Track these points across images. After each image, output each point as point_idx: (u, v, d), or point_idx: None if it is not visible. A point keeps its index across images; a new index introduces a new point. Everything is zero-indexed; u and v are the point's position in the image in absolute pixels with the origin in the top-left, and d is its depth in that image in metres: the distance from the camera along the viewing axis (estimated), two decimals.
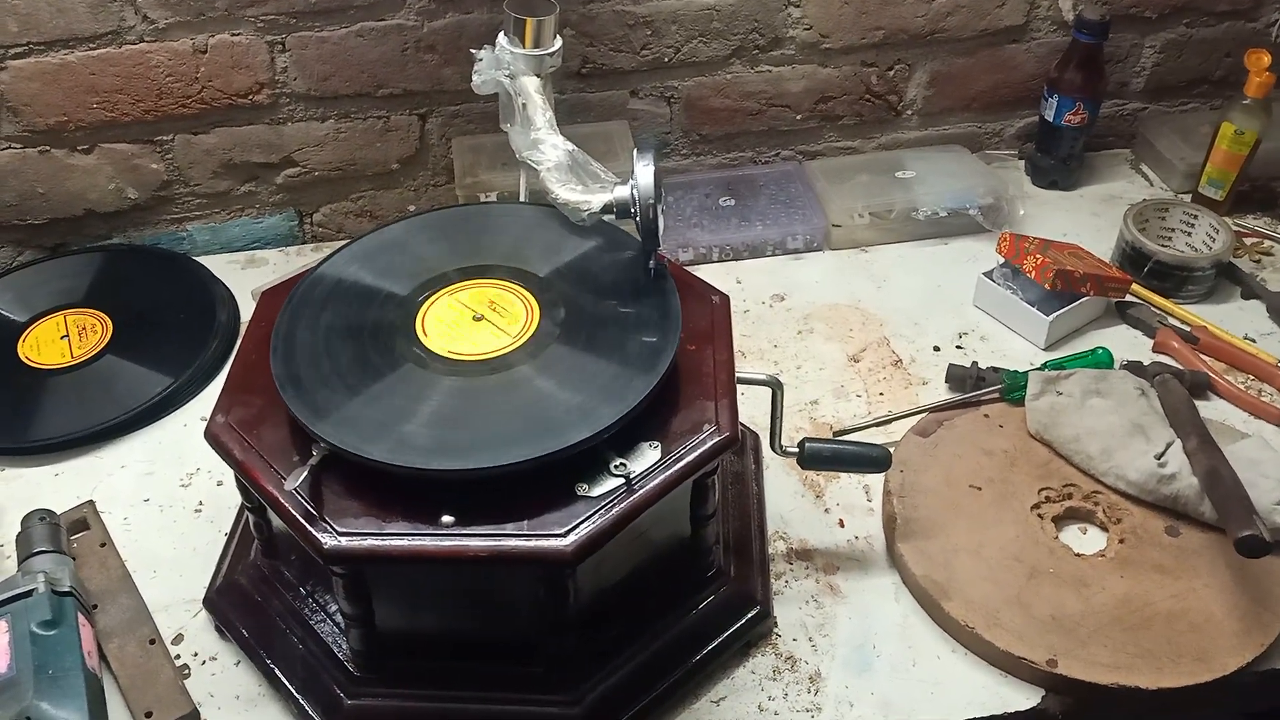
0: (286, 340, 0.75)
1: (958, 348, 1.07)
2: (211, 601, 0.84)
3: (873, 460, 0.84)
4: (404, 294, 0.79)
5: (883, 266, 1.17)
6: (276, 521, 0.77)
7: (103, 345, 1.07)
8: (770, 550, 0.88)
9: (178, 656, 0.82)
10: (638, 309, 0.78)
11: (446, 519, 0.67)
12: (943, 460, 0.93)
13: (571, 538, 0.67)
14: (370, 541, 0.67)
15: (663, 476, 0.70)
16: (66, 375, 1.04)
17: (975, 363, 1.01)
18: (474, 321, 0.77)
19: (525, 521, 0.67)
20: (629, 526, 0.68)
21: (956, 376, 1.01)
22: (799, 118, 1.25)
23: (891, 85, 1.24)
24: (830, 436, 0.97)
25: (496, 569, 0.68)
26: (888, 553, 0.88)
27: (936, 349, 1.07)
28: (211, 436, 0.74)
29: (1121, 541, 0.86)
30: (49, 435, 0.99)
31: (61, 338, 1.07)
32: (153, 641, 0.83)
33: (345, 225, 1.23)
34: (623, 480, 0.69)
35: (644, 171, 0.76)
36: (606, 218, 0.80)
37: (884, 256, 1.18)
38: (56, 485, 0.96)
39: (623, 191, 0.79)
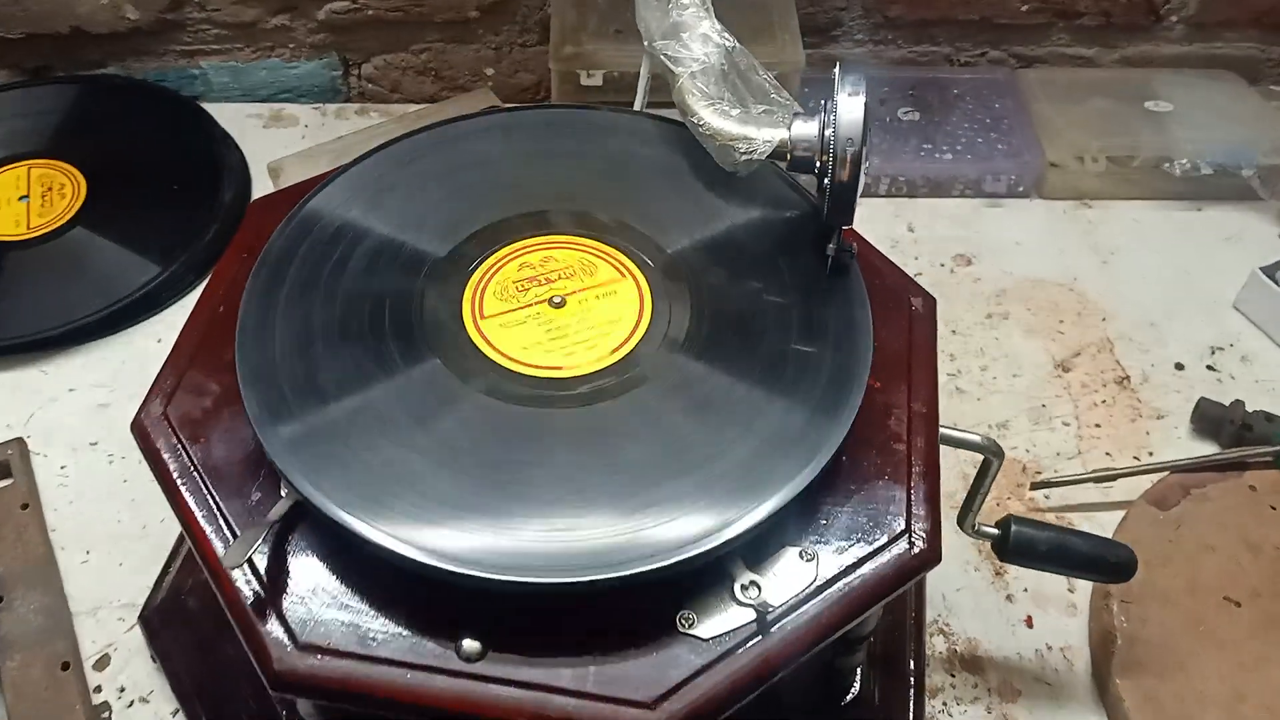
0: (260, 310, 0.49)
1: (1209, 369, 0.77)
2: (149, 622, 0.62)
3: (1111, 568, 0.56)
4: (440, 254, 0.51)
5: (1111, 232, 0.86)
6: None
7: (72, 213, 0.81)
8: (926, 650, 0.62)
9: (98, 689, 0.60)
10: (803, 317, 0.50)
11: (469, 645, 0.42)
12: (1187, 551, 0.65)
13: (664, 709, 0.41)
14: (346, 665, 0.42)
15: (816, 612, 0.44)
16: (21, 252, 0.80)
17: (1239, 402, 0.72)
18: (552, 309, 0.50)
19: (591, 669, 0.42)
20: None
21: (1210, 418, 0.72)
22: (1024, 9, 0.92)
23: None
24: (1029, 507, 0.69)
25: None
26: (1094, 681, 0.62)
27: (1179, 367, 0.77)
28: (139, 432, 0.49)
29: None
30: None
31: (20, 199, 0.82)
32: (66, 666, 0.60)
33: (402, 84, 0.95)
34: (753, 613, 0.43)
35: (850, 105, 0.47)
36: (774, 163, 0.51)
37: (1113, 217, 0.87)
38: None
39: (806, 128, 0.49)
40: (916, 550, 0.46)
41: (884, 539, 0.46)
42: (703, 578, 0.43)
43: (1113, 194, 0.87)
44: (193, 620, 0.60)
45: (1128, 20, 0.93)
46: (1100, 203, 0.88)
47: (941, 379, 0.56)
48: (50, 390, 0.74)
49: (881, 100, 0.91)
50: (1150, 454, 0.72)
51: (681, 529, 0.42)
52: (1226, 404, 0.72)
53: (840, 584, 0.45)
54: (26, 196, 0.82)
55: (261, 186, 0.86)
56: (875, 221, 0.85)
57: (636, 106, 0.59)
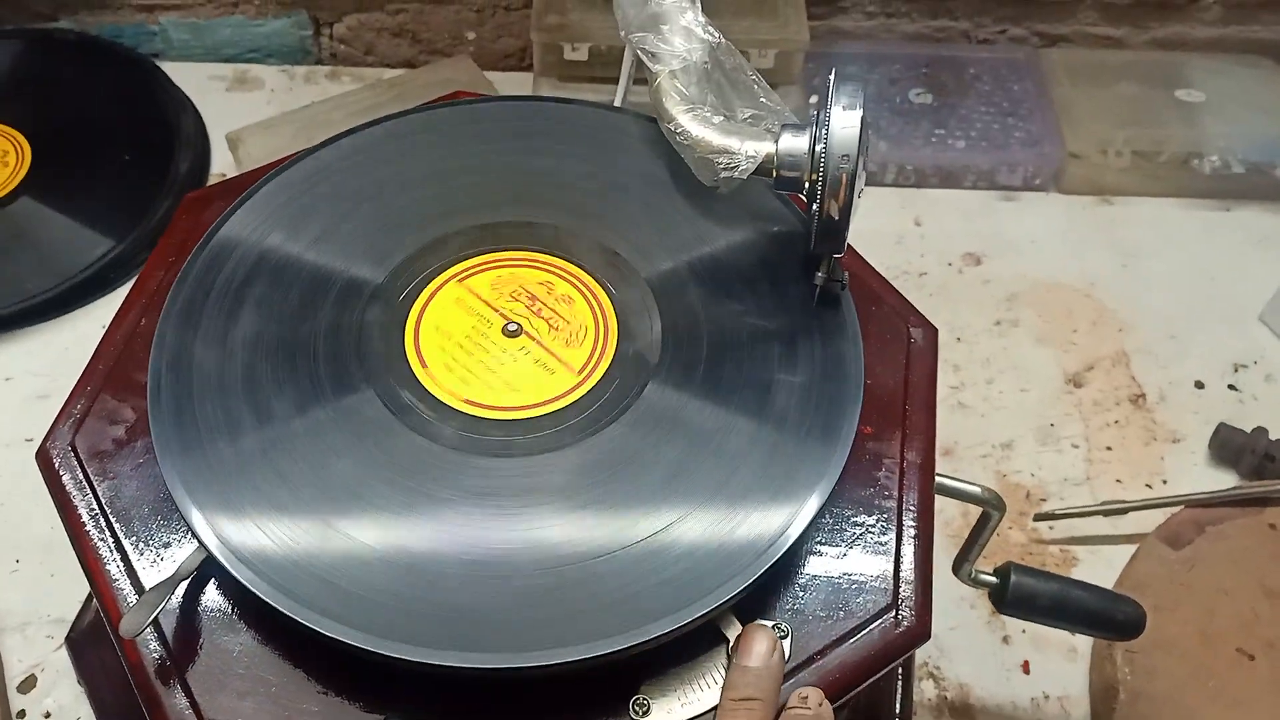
0: (177, 341, 0.44)
1: (1230, 388, 0.72)
2: (75, 644, 0.57)
3: (1117, 626, 0.52)
4: (379, 279, 0.46)
5: (1133, 232, 0.80)
6: None
7: (17, 181, 0.76)
8: (914, 695, 0.58)
9: (21, 714, 0.56)
10: (786, 356, 0.44)
11: None
12: (1200, 595, 0.61)
13: None
14: None
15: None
16: None
17: (1262, 429, 0.67)
18: (506, 337, 0.44)
19: None
20: None
21: (1230, 445, 0.67)
22: None
23: None
24: (1031, 537, 0.64)
25: None
26: None
27: (1199, 385, 0.72)
28: (43, 462, 0.44)
29: None
30: None
31: None
32: None
33: (377, 46, 0.88)
34: (715, 699, 0.38)
35: (844, 120, 0.41)
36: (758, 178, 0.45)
37: (1136, 215, 0.81)
38: None
39: (794, 142, 0.44)
40: (904, 627, 0.41)
41: (867, 614, 0.41)
42: (660, 654, 0.39)
43: (1136, 190, 0.81)
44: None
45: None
46: (1122, 199, 0.81)
47: (943, 392, 0.51)
48: None
49: (892, 80, 0.85)
50: (1164, 482, 0.67)
51: (636, 606, 0.37)
52: (1248, 430, 0.67)
53: (815, 666, 0.40)
54: None
55: (220, 156, 0.80)
56: (880, 214, 0.79)
57: (617, 101, 0.53)
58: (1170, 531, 0.63)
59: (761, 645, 0.37)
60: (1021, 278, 0.77)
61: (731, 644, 0.38)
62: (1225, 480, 0.67)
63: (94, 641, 0.56)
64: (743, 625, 0.40)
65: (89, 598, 0.58)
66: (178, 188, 0.77)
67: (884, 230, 0.78)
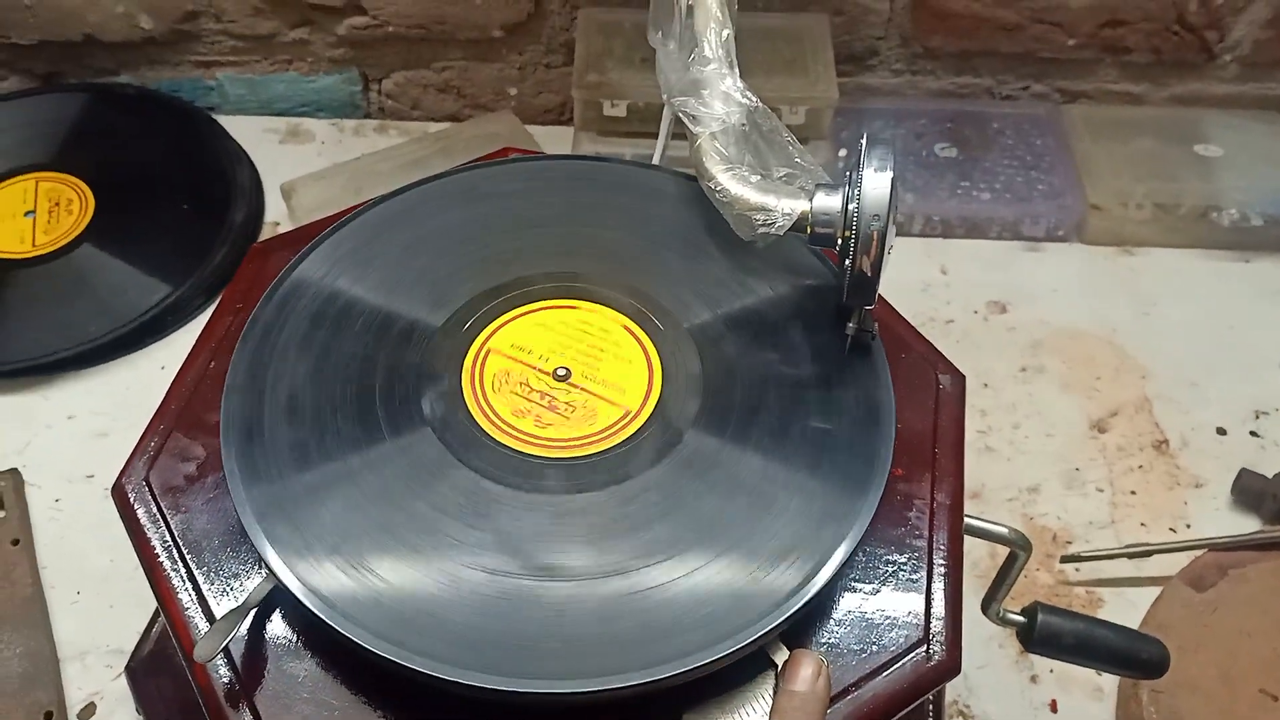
0: (251, 370, 0.46)
1: (1252, 434, 0.73)
2: (134, 673, 0.60)
3: (1141, 665, 0.53)
4: (437, 323, 0.48)
5: (1152, 281, 0.82)
6: None
7: (80, 229, 0.79)
8: None
9: None
10: (820, 402, 0.47)
11: None
12: (1222, 636, 0.62)
13: None
14: None
15: None
16: (26, 270, 0.77)
17: None
18: (556, 381, 0.47)
19: None
20: None
21: (1251, 491, 0.69)
22: (1071, 43, 0.87)
23: (1214, 17, 0.86)
24: (1058, 579, 0.66)
25: None
26: None
27: (1221, 432, 0.73)
28: (119, 497, 0.47)
29: None
30: None
31: (26, 214, 0.80)
32: (49, 716, 0.59)
33: (423, 101, 0.92)
34: None
35: (876, 181, 0.43)
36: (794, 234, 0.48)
37: (1156, 266, 0.83)
38: None
39: (828, 201, 0.46)
40: (935, 660, 0.43)
41: (899, 648, 0.43)
42: (702, 684, 0.41)
43: (1156, 241, 0.83)
44: (179, 674, 0.58)
45: (1179, 57, 0.88)
46: (1143, 249, 0.84)
47: (971, 436, 0.53)
48: (49, 417, 0.72)
49: (918, 134, 0.87)
50: (1188, 525, 0.68)
51: (682, 636, 0.39)
52: (1269, 475, 0.69)
53: (849, 698, 0.42)
54: (33, 212, 0.80)
55: (274, 205, 0.84)
56: (907, 263, 0.81)
57: (656, 159, 0.56)
58: (1193, 574, 0.64)
59: (807, 670, 0.39)
60: (1045, 325, 0.79)
61: (780, 669, 0.40)
62: (1247, 525, 0.68)
63: (153, 670, 0.59)
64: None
65: (147, 628, 0.61)
66: (233, 236, 0.80)
67: (911, 279, 0.81)
